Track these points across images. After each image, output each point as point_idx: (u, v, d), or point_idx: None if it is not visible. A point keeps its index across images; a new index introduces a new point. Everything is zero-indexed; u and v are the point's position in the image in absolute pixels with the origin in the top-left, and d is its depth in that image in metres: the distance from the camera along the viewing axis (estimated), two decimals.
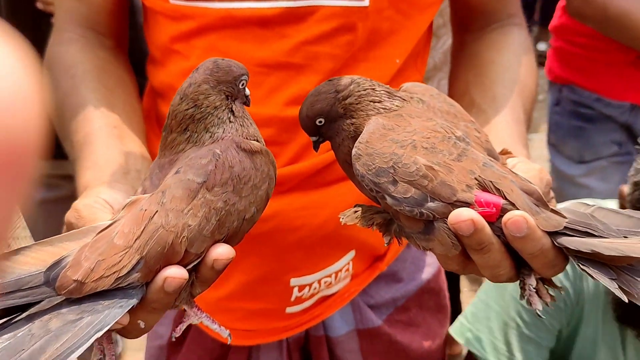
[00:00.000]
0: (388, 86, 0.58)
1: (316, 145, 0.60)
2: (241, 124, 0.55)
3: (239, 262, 0.74)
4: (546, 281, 0.52)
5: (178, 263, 0.50)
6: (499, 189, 0.50)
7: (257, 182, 0.54)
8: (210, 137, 0.54)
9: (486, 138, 0.58)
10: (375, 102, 0.55)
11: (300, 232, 0.76)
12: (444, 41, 1.61)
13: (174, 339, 0.71)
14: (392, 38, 0.74)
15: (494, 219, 0.49)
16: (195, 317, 0.55)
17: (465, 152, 0.51)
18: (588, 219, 0.50)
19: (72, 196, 1.00)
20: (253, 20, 0.71)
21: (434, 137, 0.52)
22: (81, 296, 0.47)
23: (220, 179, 0.51)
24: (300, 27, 0.70)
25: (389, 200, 0.51)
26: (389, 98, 0.55)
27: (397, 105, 0.55)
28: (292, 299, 0.81)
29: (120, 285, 0.48)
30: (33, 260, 0.48)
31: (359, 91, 0.55)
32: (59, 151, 1.39)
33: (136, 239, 0.48)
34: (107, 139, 0.68)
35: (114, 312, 0.46)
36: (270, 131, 0.72)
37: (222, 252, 0.52)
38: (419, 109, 0.56)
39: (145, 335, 0.66)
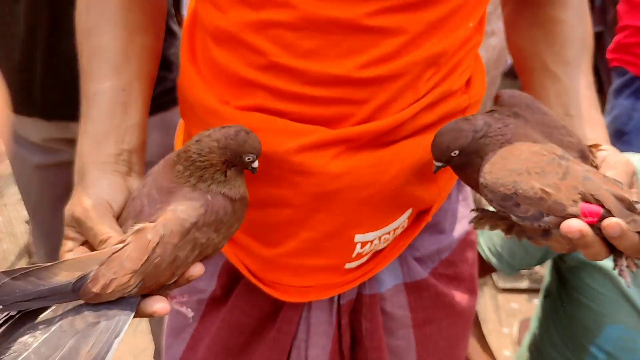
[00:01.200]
0: (501, 113, 0.69)
1: (438, 169, 0.70)
2: (230, 186, 0.65)
3: (305, 220, 0.78)
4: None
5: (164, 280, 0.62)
6: (598, 200, 0.62)
7: (232, 223, 0.66)
8: (202, 185, 0.64)
9: (578, 140, 0.70)
10: (498, 138, 0.67)
11: (370, 189, 0.76)
12: None
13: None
14: (470, 4, 0.74)
15: (595, 222, 0.61)
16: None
17: (568, 170, 0.63)
18: None
19: (73, 161, 1.00)
20: None
21: (541, 161, 0.64)
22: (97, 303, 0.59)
23: (207, 221, 0.63)
24: None
25: (513, 217, 0.64)
26: (504, 127, 0.67)
27: (508, 135, 0.67)
28: (354, 255, 0.82)
29: (123, 296, 0.60)
30: (65, 273, 0.58)
31: (491, 132, 0.67)
32: (60, 112, 1.17)
33: (141, 265, 0.59)
34: (113, 106, 0.73)
35: (122, 318, 0.59)
36: (344, 91, 0.71)
37: (195, 271, 0.64)
38: (521, 129, 0.68)
39: None
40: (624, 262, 0.64)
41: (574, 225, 0.60)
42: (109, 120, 0.73)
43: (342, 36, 0.69)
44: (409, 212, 0.84)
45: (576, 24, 0.84)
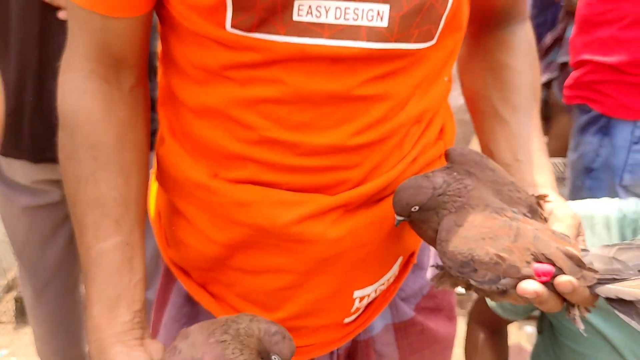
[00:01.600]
0: (459, 172, 0.72)
1: (399, 223, 0.72)
2: None
3: (305, 284, 0.78)
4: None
5: None
6: (549, 259, 0.66)
7: None
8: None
9: (526, 195, 0.73)
10: (455, 199, 0.69)
11: (368, 248, 0.78)
12: None
13: None
14: (445, 61, 0.77)
15: (548, 281, 0.65)
16: None
17: (519, 232, 0.67)
18: (612, 264, 0.67)
19: (61, 202, 0.92)
20: (325, 57, 0.67)
21: (493, 225, 0.67)
22: None
23: None
24: (373, 64, 0.69)
25: (472, 282, 0.67)
26: (463, 188, 0.70)
27: (465, 197, 0.70)
28: (352, 310, 0.83)
29: None
30: None
31: (450, 190, 0.69)
32: (47, 155, 1.18)
33: None
34: (120, 266, 0.71)
35: None
36: (338, 158, 0.72)
37: None
38: (476, 190, 0.71)
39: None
40: (576, 312, 0.68)
41: (529, 287, 0.64)
42: (118, 282, 0.71)
43: (334, 107, 0.70)
44: (400, 260, 0.86)
45: (525, 70, 0.87)
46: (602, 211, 1.11)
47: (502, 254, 0.66)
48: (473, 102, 0.90)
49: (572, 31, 1.71)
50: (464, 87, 0.93)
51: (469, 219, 0.68)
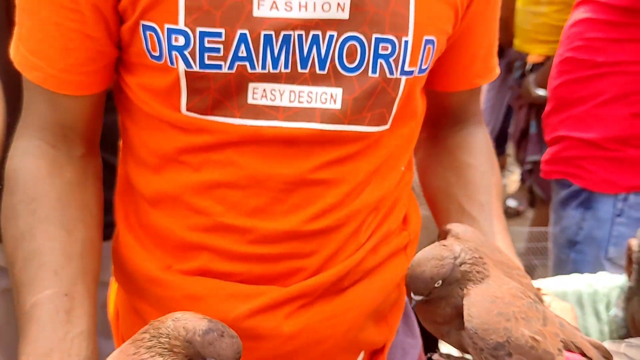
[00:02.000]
0: (468, 244, 0.66)
1: (415, 304, 0.64)
2: None
3: None
4: None
5: None
6: (578, 347, 0.62)
7: None
8: None
9: (529, 281, 0.70)
10: (477, 268, 0.63)
11: (326, 343, 0.75)
12: None
13: None
14: (401, 149, 0.78)
15: None
16: None
17: (545, 314, 0.63)
18: (624, 359, 0.66)
19: None
20: (280, 139, 0.69)
21: (522, 304, 0.61)
22: None
23: None
24: (327, 147, 0.70)
25: None
26: (479, 258, 0.64)
27: (484, 268, 0.64)
28: None
29: None
30: None
31: (470, 258, 0.63)
32: None
33: None
34: (54, 317, 0.65)
35: None
36: (293, 245, 0.72)
37: None
38: (491, 267, 0.65)
39: None
40: None
41: None
42: (52, 335, 0.65)
43: (288, 192, 0.70)
44: (361, 355, 0.82)
45: (486, 170, 0.89)
46: (573, 287, 1.11)
47: (537, 337, 0.60)
48: (436, 201, 0.91)
49: (545, 110, 1.77)
50: (425, 187, 0.94)
51: (497, 295, 0.62)
